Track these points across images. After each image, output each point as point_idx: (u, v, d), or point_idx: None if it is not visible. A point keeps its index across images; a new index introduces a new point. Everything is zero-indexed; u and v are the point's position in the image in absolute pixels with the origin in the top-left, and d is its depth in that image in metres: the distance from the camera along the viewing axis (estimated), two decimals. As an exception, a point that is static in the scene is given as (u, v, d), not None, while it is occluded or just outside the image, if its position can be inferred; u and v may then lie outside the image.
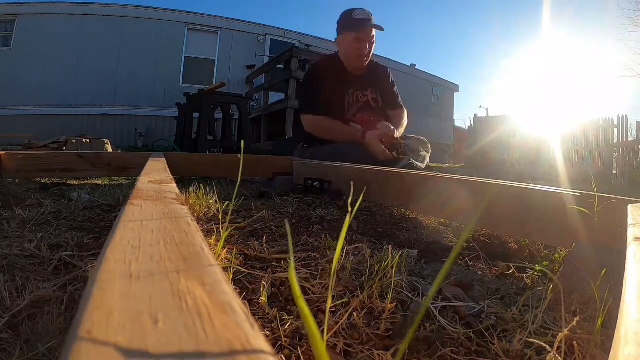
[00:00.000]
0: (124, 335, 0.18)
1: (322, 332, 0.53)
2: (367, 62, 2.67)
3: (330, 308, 0.61)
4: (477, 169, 8.54)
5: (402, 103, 2.85)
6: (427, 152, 2.68)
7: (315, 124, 2.63)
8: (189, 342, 0.18)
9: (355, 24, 2.56)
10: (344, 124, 2.53)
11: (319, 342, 0.19)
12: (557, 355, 0.45)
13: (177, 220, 0.43)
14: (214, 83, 7.72)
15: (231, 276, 0.71)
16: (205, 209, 1.26)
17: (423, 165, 2.48)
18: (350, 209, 0.33)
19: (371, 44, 2.60)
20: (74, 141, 5.91)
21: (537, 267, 0.82)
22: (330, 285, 0.38)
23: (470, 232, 1.16)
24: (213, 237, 0.86)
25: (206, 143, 5.78)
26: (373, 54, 2.67)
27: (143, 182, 0.80)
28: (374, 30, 2.58)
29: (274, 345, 0.52)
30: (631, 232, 0.56)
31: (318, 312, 0.61)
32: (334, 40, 2.76)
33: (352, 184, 0.62)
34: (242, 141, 0.61)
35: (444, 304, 0.63)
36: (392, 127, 2.41)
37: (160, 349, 0.17)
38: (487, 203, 1.10)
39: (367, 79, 2.74)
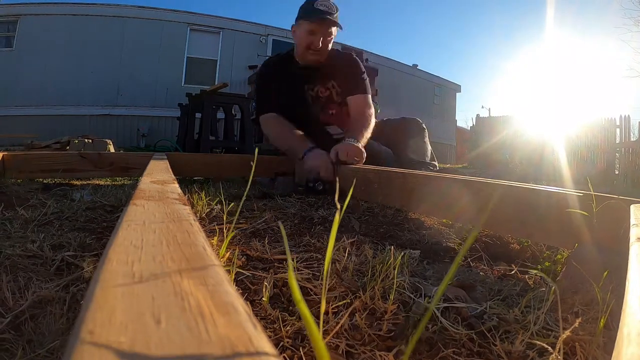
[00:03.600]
0: (126, 335, 0.18)
1: (326, 332, 0.53)
2: (320, 59, 2.35)
3: (332, 309, 0.61)
4: (480, 170, 8.53)
5: (367, 89, 2.39)
6: (426, 137, 2.49)
7: (266, 126, 2.37)
8: (191, 342, 0.18)
9: (311, 14, 2.25)
10: (315, 124, 2.35)
11: (321, 344, 0.19)
12: (558, 357, 0.45)
13: (180, 220, 0.44)
14: (216, 83, 7.73)
15: (233, 277, 0.71)
16: (208, 209, 1.26)
17: (429, 161, 2.39)
18: (339, 206, 0.33)
19: (326, 39, 2.29)
20: (77, 141, 5.92)
21: (534, 271, 0.82)
22: (324, 286, 0.38)
23: (475, 236, 1.16)
24: (215, 238, 0.86)
25: (208, 143, 5.78)
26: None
27: (145, 182, 0.81)
28: (334, 26, 2.27)
29: (276, 345, 0.52)
30: (634, 233, 0.56)
31: (319, 313, 0.61)
32: (290, 29, 2.43)
33: (354, 182, 0.62)
34: (256, 149, 0.61)
35: (446, 304, 0.63)
36: (359, 149, 1.94)
37: (163, 350, 0.17)
38: (492, 205, 1.10)
39: (328, 71, 2.41)
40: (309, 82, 2.43)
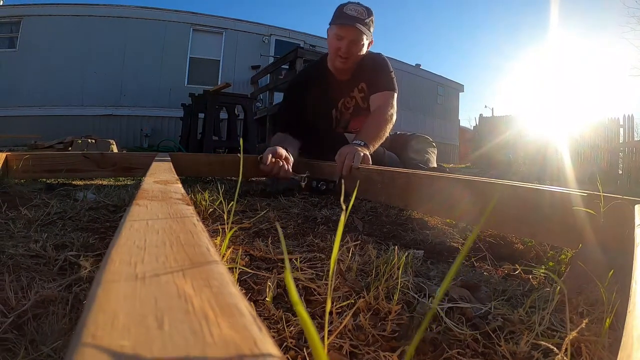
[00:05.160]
0: (129, 339, 0.18)
1: (329, 333, 0.53)
2: (346, 66, 2.34)
3: (336, 309, 0.60)
4: (483, 170, 8.52)
5: (391, 86, 2.35)
6: (433, 151, 2.48)
7: (272, 141, 2.39)
8: (195, 345, 0.17)
9: (339, 18, 2.25)
10: (335, 138, 2.36)
11: (319, 347, 0.19)
12: (564, 357, 0.45)
13: (183, 220, 0.43)
14: (219, 83, 7.75)
15: (237, 277, 0.71)
16: (211, 210, 1.26)
17: (431, 165, 2.38)
18: (344, 207, 0.32)
19: (353, 46, 2.26)
20: (80, 142, 5.94)
21: (542, 270, 0.81)
22: (330, 287, 0.38)
23: (476, 235, 1.16)
24: (219, 238, 0.86)
25: (211, 143, 5.80)
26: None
27: (148, 182, 0.80)
28: (360, 33, 2.23)
29: (279, 346, 0.52)
30: (639, 233, 0.56)
31: (323, 314, 0.61)
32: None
33: (357, 183, 0.61)
34: (241, 139, 0.61)
35: (450, 305, 0.62)
36: (360, 155, 1.85)
37: (166, 353, 0.17)
38: (494, 205, 1.09)
39: (353, 78, 2.43)
40: (336, 96, 2.47)
